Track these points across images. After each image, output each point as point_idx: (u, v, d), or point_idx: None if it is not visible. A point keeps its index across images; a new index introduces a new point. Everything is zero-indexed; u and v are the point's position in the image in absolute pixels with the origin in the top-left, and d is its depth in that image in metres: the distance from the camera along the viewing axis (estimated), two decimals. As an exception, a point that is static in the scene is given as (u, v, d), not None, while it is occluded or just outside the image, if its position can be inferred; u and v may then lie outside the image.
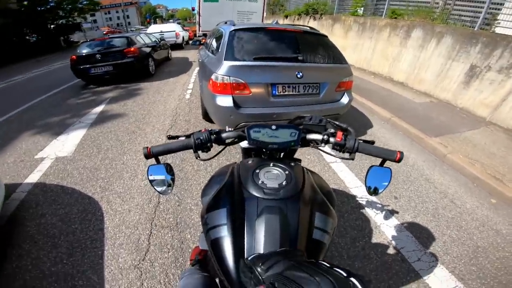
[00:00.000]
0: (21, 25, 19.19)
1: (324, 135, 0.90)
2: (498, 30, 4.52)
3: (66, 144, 3.37)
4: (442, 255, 1.87)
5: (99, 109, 4.55)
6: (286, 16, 12.56)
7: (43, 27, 21.59)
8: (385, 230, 2.05)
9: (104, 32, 30.92)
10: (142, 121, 3.93)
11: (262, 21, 8.75)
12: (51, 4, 21.64)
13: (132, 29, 33.60)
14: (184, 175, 2.66)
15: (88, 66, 5.98)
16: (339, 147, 0.88)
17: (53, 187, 2.55)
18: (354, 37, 7.71)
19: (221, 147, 0.98)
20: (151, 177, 0.87)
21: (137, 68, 6.44)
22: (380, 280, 1.66)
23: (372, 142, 0.91)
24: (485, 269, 1.78)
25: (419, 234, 2.04)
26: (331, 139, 0.88)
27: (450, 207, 2.36)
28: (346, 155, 0.89)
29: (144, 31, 10.88)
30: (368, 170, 0.89)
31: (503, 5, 4.59)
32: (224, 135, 0.92)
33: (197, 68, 5.90)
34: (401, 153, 0.84)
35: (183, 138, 0.90)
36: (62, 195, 2.42)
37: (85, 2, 23.69)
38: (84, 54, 6.11)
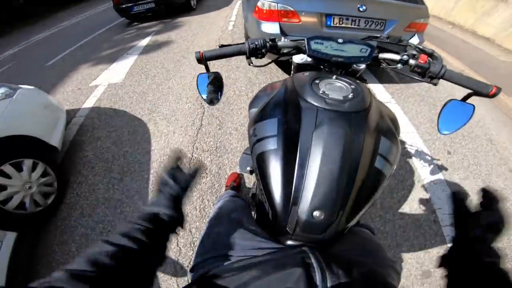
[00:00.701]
0: None
1: (403, 55, 0.77)
2: None
3: (116, 72, 3.67)
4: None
5: (144, 42, 4.72)
6: None
7: None
8: (427, 186, 1.92)
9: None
10: (186, 51, 4.05)
11: None
12: None
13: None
14: (226, 99, 2.72)
15: (130, 4, 6.05)
16: (422, 70, 0.74)
17: (106, 110, 2.83)
18: None
19: (275, 56, 0.91)
20: (200, 85, 0.84)
21: (178, 3, 6.42)
22: (405, 237, 1.61)
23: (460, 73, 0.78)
24: None
25: None
26: (412, 61, 0.75)
27: (505, 175, 2.08)
28: (427, 79, 0.76)
29: None
30: (446, 103, 0.76)
31: None
32: (280, 43, 0.85)
33: (239, 2, 5.87)
34: (498, 87, 0.69)
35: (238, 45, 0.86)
36: (114, 117, 2.68)
37: None
38: None
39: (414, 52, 0.79)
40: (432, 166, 2.09)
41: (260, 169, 0.62)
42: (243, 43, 0.83)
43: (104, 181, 2.00)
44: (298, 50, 0.86)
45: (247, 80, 3.11)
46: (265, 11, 2.45)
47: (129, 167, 2.05)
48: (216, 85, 0.84)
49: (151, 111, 2.67)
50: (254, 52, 0.82)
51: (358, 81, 0.75)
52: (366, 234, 0.73)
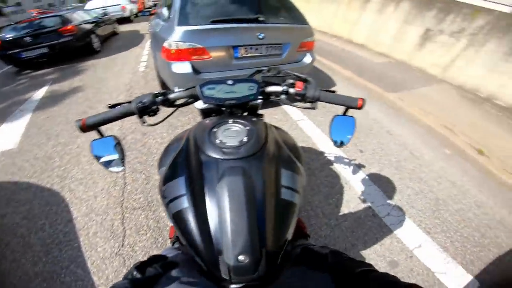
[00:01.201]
0: None
1: (283, 86, 0.86)
2: None
3: (8, 135, 3.01)
4: (408, 209, 1.96)
5: (41, 93, 4.06)
6: None
7: None
8: (354, 185, 2.12)
9: (33, 14, 27.01)
10: (92, 99, 3.60)
11: None
12: None
13: (67, 7, 29.81)
14: (147, 150, 2.53)
15: (18, 50, 5.32)
16: (300, 97, 0.84)
17: (4, 184, 2.29)
18: (317, 1, 7.83)
19: (172, 109, 0.89)
20: (96, 153, 0.78)
21: (77, 46, 5.86)
22: (356, 237, 1.72)
23: (333, 92, 0.89)
24: (447, 222, 1.90)
25: (386, 187, 2.13)
26: (291, 90, 0.85)
27: (410, 159, 2.48)
28: (308, 104, 0.87)
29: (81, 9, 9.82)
30: (331, 120, 0.86)
31: None
32: (172, 96, 0.84)
33: (150, 40, 5.53)
34: (363, 99, 0.82)
35: (126, 105, 0.80)
36: (17, 191, 2.20)
37: None
38: (10, 39, 5.39)
39: (292, 81, 0.87)
40: (352, 166, 2.32)
41: (179, 227, 0.63)
42: (130, 102, 0.80)
43: (26, 256, 1.68)
44: (195, 97, 0.86)
45: (168, 124, 2.93)
46: (173, 51, 2.44)
47: (53, 239, 1.77)
48: (115, 149, 0.79)
49: (62, 178, 2.29)
50: (144, 111, 0.78)
51: (254, 118, 0.80)
52: (306, 251, 0.76)
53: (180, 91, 0.86)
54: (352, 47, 6.12)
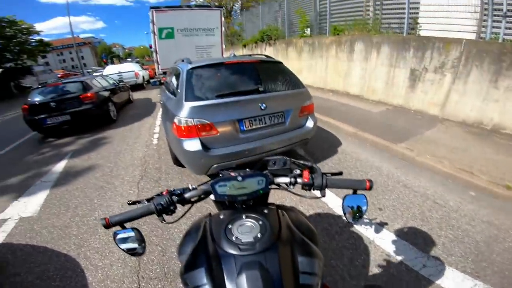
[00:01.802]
0: None
1: (291, 178, 0.89)
2: (422, 33, 5.05)
3: (29, 204, 3.14)
4: (446, 257, 1.86)
5: (61, 165, 4.20)
6: (245, 45, 12.98)
7: None
8: (380, 243, 2.03)
9: (59, 75, 29.36)
10: (109, 174, 3.68)
11: (222, 53, 8.84)
12: None
13: (88, 70, 32.34)
14: (163, 224, 2.49)
15: (42, 116, 5.52)
16: (308, 187, 0.88)
17: (22, 246, 2.42)
18: (307, 58, 8.14)
19: (188, 206, 0.94)
20: (118, 243, 0.83)
21: (96, 115, 6.05)
22: None
23: (340, 173, 0.93)
24: (497, 263, 1.77)
25: (415, 240, 2.04)
26: (299, 180, 0.88)
27: (435, 208, 2.40)
28: (317, 193, 0.88)
29: (100, 72, 10.49)
30: (343, 200, 0.88)
31: (419, 9, 5.14)
32: (187, 195, 0.89)
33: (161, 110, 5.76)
34: (370, 181, 0.86)
35: (145, 203, 0.87)
36: (34, 254, 2.30)
37: (34, 44, 22.44)
38: (37, 103, 5.63)
39: (298, 171, 0.90)
40: (373, 225, 2.23)
41: None
42: (151, 199, 0.86)
43: None
44: (208, 193, 0.89)
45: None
46: (183, 128, 2.49)
47: None
48: (135, 239, 0.83)
49: (78, 245, 2.33)
50: (162, 211, 0.84)
51: (266, 210, 0.83)
52: None
53: (195, 189, 0.90)
54: (349, 99, 6.28)
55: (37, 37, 22.78)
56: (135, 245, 0.84)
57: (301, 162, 0.96)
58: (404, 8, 5.20)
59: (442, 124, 4.26)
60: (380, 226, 2.23)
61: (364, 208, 0.88)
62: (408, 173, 3.10)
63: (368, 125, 4.41)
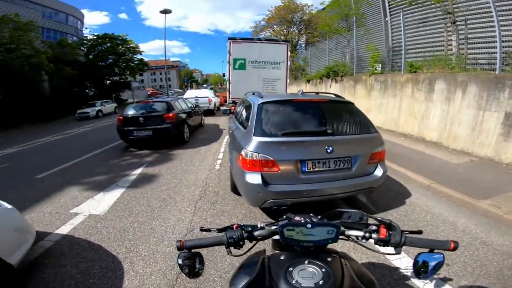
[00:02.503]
0: (85, 77, 22.12)
1: (365, 232, 0.86)
2: None
3: (101, 203, 3.52)
4: None
5: (135, 173, 4.72)
6: (308, 81, 12.89)
7: (100, 81, 24.76)
8: None
9: (149, 93, 34.27)
10: (173, 189, 3.94)
11: (286, 87, 8.97)
12: (110, 61, 24.87)
13: (171, 91, 37.15)
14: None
15: (131, 128, 6.32)
16: (383, 243, 0.83)
17: (80, 241, 2.63)
18: (377, 96, 7.60)
19: (254, 242, 0.93)
20: (181, 263, 0.83)
21: (173, 134, 6.61)
22: None
23: (420, 232, 0.88)
24: None
25: None
26: (374, 235, 0.85)
27: None
28: (391, 249, 0.83)
29: (181, 96, 11.78)
30: (416, 257, 0.80)
31: None
32: (257, 233, 0.89)
33: (227, 137, 6.04)
34: (456, 242, 0.79)
35: (215, 232, 0.91)
36: (87, 250, 2.51)
37: (136, 62, 26.84)
38: (129, 116, 6.53)
39: (374, 227, 0.86)
40: (434, 281, 1.97)
41: None
42: (223, 230, 0.89)
43: None
44: (274, 234, 0.88)
45: (242, 215, 3.07)
46: (248, 161, 2.52)
47: None
48: (197, 262, 0.84)
49: (128, 250, 2.46)
50: (232, 244, 0.85)
51: (330, 258, 0.80)
52: None
53: (263, 228, 0.90)
54: (425, 146, 5.51)
55: (139, 56, 27.32)
56: (198, 268, 0.85)
57: (379, 217, 0.90)
58: (495, 42, 4.50)
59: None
60: (442, 281, 1.99)
61: (438, 266, 0.79)
62: (491, 230, 2.64)
63: (446, 178, 3.75)
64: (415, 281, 1.97)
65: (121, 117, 6.58)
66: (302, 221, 0.82)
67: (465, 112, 4.91)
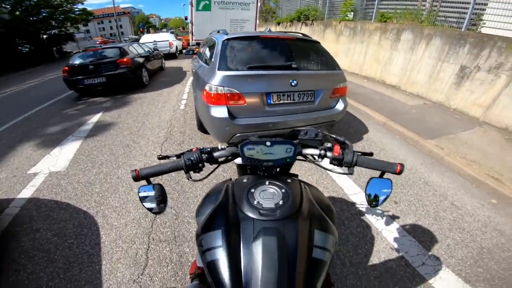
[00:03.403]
0: (13, 35, 19.01)
1: (321, 150, 0.88)
2: (484, 30, 4.55)
3: (59, 158, 3.29)
4: (447, 258, 1.85)
5: (93, 121, 4.44)
6: (279, 23, 12.60)
7: (35, 37, 21.28)
8: (387, 235, 2.02)
9: (98, 42, 30.64)
10: (136, 133, 3.82)
11: (255, 29, 8.67)
12: (44, 14, 21.35)
13: (125, 39, 33.44)
14: (180, 187, 2.58)
15: (81, 77, 5.87)
16: (337, 162, 0.85)
17: (47, 202, 2.51)
18: (346, 42, 7.74)
19: (214, 166, 0.94)
20: (142, 197, 0.84)
21: (130, 79, 6.32)
22: (385, 286, 1.63)
23: (371, 154, 0.90)
24: (491, 270, 1.77)
25: (422, 238, 2.02)
26: (328, 154, 0.86)
27: (451, 209, 2.35)
28: (345, 169, 0.87)
29: (137, 41, 10.86)
30: (368, 182, 0.86)
31: (487, 5, 4.62)
32: (216, 154, 0.89)
33: (191, 78, 5.80)
34: (402, 165, 0.83)
35: (174, 158, 0.87)
36: (56, 210, 2.39)
37: (77, 12, 23.39)
38: (76, 65, 6.02)
39: (329, 145, 0.88)
40: (384, 217, 2.21)
41: (212, 276, 0.66)
42: (181, 155, 0.86)
43: (46, 271, 1.78)
44: (235, 156, 0.90)
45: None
46: (213, 95, 2.51)
47: (76, 258, 1.86)
48: (159, 196, 0.84)
49: (98, 203, 2.43)
50: (191, 167, 0.84)
51: (289, 180, 0.82)
52: None
53: (223, 149, 0.90)
54: (385, 88, 5.94)
55: (81, 6, 23.63)
56: (158, 201, 0.84)
57: (333, 136, 0.93)
58: (469, 3, 4.70)
59: (481, 127, 3.91)
60: (391, 219, 2.21)
61: (387, 193, 0.86)
62: (433, 171, 2.97)
63: (401, 117, 4.16)
64: (368, 216, 2.20)
65: (66, 67, 5.95)
66: (263, 140, 0.82)
67: (425, 62, 5.25)
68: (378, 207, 2.30)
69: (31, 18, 20.61)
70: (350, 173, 0.86)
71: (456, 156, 3.05)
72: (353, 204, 2.35)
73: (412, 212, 2.29)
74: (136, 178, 0.81)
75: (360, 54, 7.20)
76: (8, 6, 20.28)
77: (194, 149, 0.87)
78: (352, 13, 7.83)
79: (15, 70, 14.64)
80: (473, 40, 4.36)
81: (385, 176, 0.86)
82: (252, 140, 0.83)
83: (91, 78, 5.89)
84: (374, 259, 1.81)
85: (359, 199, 2.39)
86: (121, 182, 2.73)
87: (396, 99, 5.18)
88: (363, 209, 2.28)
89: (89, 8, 26.33)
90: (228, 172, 2.80)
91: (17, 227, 2.21)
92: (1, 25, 16.79)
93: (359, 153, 0.88)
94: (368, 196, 0.87)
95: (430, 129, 3.75)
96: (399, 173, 0.82)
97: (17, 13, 20.18)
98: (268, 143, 0.80)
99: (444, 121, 4.09)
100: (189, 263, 1.77)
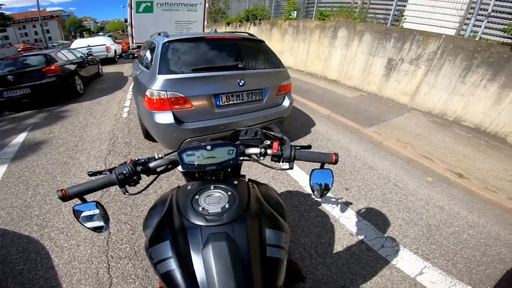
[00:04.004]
0: None
1: (261, 148, 0.89)
2: (405, 25, 5.17)
3: None
4: (402, 238, 1.99)
5: (19, 139, 3.84)
6: (228, 24, 12.54)
7: None
8: (344, 222, 2.12)
9: (19, 49, 26.63)
10: (74, 149, 3.42)
11: (203, 30, 8.48)
12: None
13: (53, 44, 29.73)
14: (132, 201, 2.41)
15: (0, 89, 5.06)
16: (277, 158, 0.87)
17: None
18: (290, 40, 8.05)
19: (153, 177, 0.90)
20: (80, 219, 0.79)
21: (61, 88, 5.64)
22: (354, 272, 1.70)
23: (309, 147, 0.93)
24: (444, 246, 1.93)
25: (376, 221, 2.15)
26: (269, 151, 0.88)
27: (395, 191, 2.53)
28: (286, 165, 0.88)
29: (67, 47, 9.78)
30: (310, 174, 0.89)
31: (407, 1, 5.25)
32: (152, 164, 0.85)
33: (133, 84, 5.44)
34: (336, 154, 0.86)
35: (107, 173, 0.82)
36: None
37: None
38: None
39: (268, 142, 0.91)
40: (339, 205, 2.31)
41: (168, 285, 0.64)
42: (113, 169, 0.80)
43: None
44: (175, 164, 0.87)
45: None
46: (155, 101, 2.38)
47: (32, 284, 1.68)
48: (98, 214, 0.79)
49: (41, 226, 2.18)
50: (125, 181, 0.79)
51: (236, 181, 0.82)
52: None
53: (160, 158, 0.86)
54: (327, 83, 6.36)
55: None
56: (99, 221, 0.79)
57: (272, 133, 0.96)
58: (392, 0, 5.25)
59: (410, 113, 4.47)
60: (345, 205, 2.31)
61: (329, 183, 0.89)
62: (375, 155, 3.24)
63: (342, 109, 4.52)
64: (325, 206, 2.28)
65: None
66: (202, 144, 0.80)
67: (359, 57, 5.78)
68: (329, 196, 2.43)
69: None
70: (291, 168, 0.87)
71: (392, 140, 3.41)
72: (309, 195, 2.42)
73: (363, 196, 2.43)
74: (64, 198, 0.75)
75: (303, 52, 7.57)
76: None
77: (128, 161, 0.83)
78: (295, 12, 8.16)
79: None
80: (397, 34, 4.92)
81: (325, 166, 0.90)
82: (191, 146, 0.80)
83: (12, 90, 5.11)
84: (338, 247, 1.89)
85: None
86: (63, 202, 2.39)
87: (337, 92, 5.61)
88: (319, 199, 2.37)
89: (7, 13, 22.79)
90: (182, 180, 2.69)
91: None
92: None
93: (298, 147, 0.90)
94: (313, 187, 0.90)
95: (368, 118, 4.14)
96: (335, 162, 0.86)
97: None
98: (208, 147, 0.78)
99: (379, 110, 4.55)
100: (157, 277, 1.66)
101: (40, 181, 2.80)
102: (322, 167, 0.90)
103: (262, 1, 10.52)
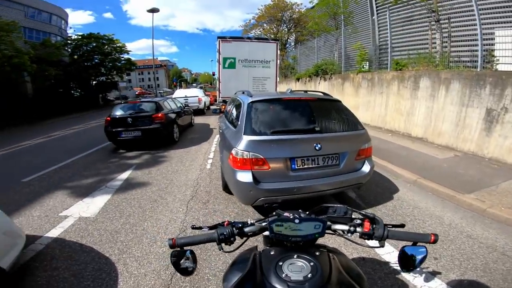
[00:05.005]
0: (70, 78, 21.52)
1: (350, 226, 0.89)
2: (499, 67, 4.38)
3: (91, 206, 3.47)
4: None
5: (125, 175, 4.65)
6: (298, 79, 13.01)
7: (86, 82, 24.06)
8: None
9: (136, 93, 33.45)
10: (164, 190, 3.92)
11: (276, 85, 9.01)
12: (96, 61, 24.19)
13: (160, 91, 36.54)
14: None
15: (120, 129, 6.19)
16: (367, 236, 0.87)
17: (71, 243, 2.59)
18: (365, 94, 7.73)
19: (244, 238, 0.96)
20: (174, 261, 0.85)
21: (163, 135, 6.51)
22: None
23: (402, 226, 0.91)
24: None
25: None
26: (358, 229, 0.88)
27: (502, 260, 2.18)
28: (375, 242, 0.87)
29: (170, 96, 11.61)
30: (400, 251, 0.84)
31: (494, 40, 4.50)
32: (247, 229, 0.92)
33: (217, 136, 6.00)
34: (436, 235, 0.82)
35: (206, 229, 0.93)
36: (79, 252, 2.45)
37: (123, 62, 26.15)
38: (117, 117, 6.36)
39: (359, 221, 0.89)
40: (423, 274, 2.03)
41: None
42: (214, 227, 0.90)
43: None
44: (263, 230, 0.92)
45: (234, 214, 3.07)
46: (238, 160, 2.54)
47: None
48: (189, 260, 0.85)
49: (121, 251, 2.44)
50: (223, 240, 0.87)
51: (318, 252, 0.83)
52: None
53: (253, 224, 0.93)
54: (411, 142, 5.68)
55: (126, 56, 26.64)
56: (190, 265, 0.86)
57: (363, 212, 0.95)
58: (476, 40, 4.65)
59: (524, 175, 3.53)
60: (431, 275, 2.05)
61: (421, 259, 0.82)
62: (476, 224, 2.74)
63: (432, 173, 3.88)
64: (405, 275, 2.01)
65: (108, 118, 6.42)
66: (291, 216, 0.84)
67: (448, 109, 5.06)
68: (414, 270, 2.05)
69: (86, 64, 23.51)
70: (381, 246, 0.86)
71: (500, 207, 2.80)
72: (386, 263, 2.18)
73: (456, 266, 2.12)
74: (173, 246, 0.84)
75: (381, 106, 7.08)
76: (69, 50, 23.53)
77: (226, 223, 0.91)
78: (367, 63, 7.98)
79: (63, 114, 16.49)
80: (492, 79, 4.19)
81: (419, 244, 0.85)
82: (281, 218, 0.85)
83: (128, 131, 6.19)
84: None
85: (392, 258, 2.21)
86: (146, 233, 2.76)
87: (424, 153, 4.91)
88: (398, 268, 2.06)
89: (133, 58, 29.62)
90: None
91: (37, 262, 2.30)
92: (61, 67, 19.17)
93: (390, 226, 0.89)
94: (402, 261, 0.84)
95: (466, 182, 3.47)
96: (433, 242, 0.82)
97: (76, 57, 23.26)
98: (296, 221, 0.80)
99: (481, 172, 3.78)
100: None
101: (132, 212, 3.25)
102: (415, 244, 0.85)
103: (331, 55, 10.71)
